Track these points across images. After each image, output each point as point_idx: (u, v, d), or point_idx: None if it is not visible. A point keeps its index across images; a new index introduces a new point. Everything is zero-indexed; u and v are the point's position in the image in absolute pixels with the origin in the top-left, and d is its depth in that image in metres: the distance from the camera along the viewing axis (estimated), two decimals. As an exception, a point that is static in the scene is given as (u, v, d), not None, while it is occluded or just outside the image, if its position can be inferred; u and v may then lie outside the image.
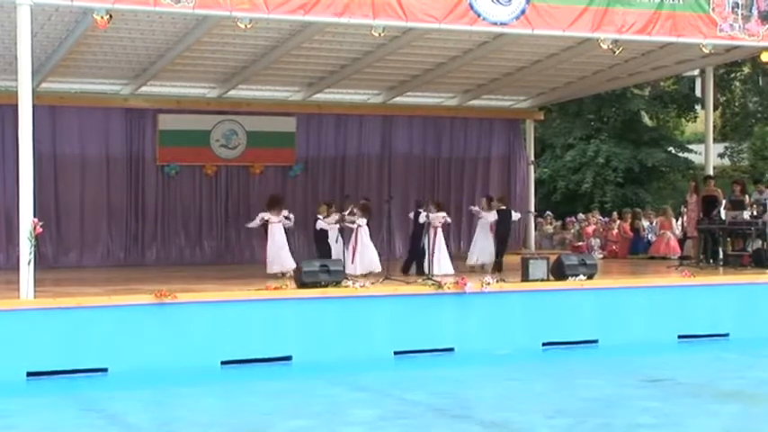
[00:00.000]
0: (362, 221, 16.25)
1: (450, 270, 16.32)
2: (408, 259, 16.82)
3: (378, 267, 15.70)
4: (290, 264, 15.61)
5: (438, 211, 16.88)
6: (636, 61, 18.58)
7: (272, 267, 15.76)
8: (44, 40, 15.37)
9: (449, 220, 17.59)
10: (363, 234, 16.15)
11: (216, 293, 13.03)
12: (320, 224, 16.43)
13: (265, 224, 16.04)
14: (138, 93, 19.46)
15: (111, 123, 19.78)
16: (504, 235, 17.89)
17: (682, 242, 20.58)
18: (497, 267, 17.00)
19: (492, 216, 17.73)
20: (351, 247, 16.14)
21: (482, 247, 17.59)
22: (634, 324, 14.61)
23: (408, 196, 21.89)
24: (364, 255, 15.94)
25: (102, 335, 11.96)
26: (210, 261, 20.03)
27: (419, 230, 16.49)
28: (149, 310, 12.23)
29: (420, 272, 15.92)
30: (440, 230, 16.73)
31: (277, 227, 15.87)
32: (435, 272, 15.50)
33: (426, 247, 15.92)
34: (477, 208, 18.24)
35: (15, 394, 10.97)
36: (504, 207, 18.10)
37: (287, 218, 16.08)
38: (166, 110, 20.03)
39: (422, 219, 16.35)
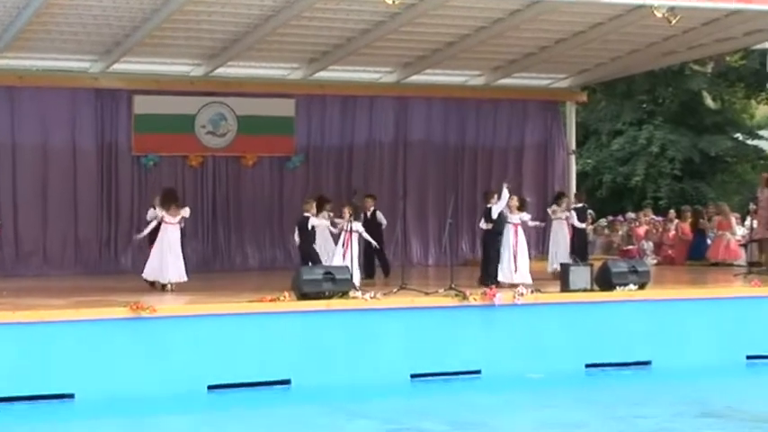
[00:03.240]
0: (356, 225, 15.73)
1: (528, 279, 15.60)
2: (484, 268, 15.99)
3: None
4: (183, 275, 15.20)
5: (520, 209, 16.07)
6: (696, 32, 18.54)
7: (159, 274, 15.11)
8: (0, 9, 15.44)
9: (531, 223, 16.44)
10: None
11: (202, 306, 13.07)
12: (313, 221, 16.14)
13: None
14: (111, 71, 19.48)
15: (78, 106, 19.81)
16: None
17: (748, 245, 20.51)
18: None
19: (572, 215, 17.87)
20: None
21: (564, 251, 17.47)
22: (694, 343, 14.58)
23: (427, 192, 21.90)
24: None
25: (68, 354, 11.98)
26: (195, 268, 19.82)
27: (492, 230, 15.87)
28: (124, 326, 12.25)
29: (489, 281, 15.22)
30: (520, 229, 15.97)
31: (173, 228, 15.32)
32: (510, 279, 15.26)
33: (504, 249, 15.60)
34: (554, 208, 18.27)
35: (-33, 424, 11.03)
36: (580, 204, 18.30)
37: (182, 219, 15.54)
38: (143, 91, 20.05)
39: (495, 211, 15.66)
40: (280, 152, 21.07)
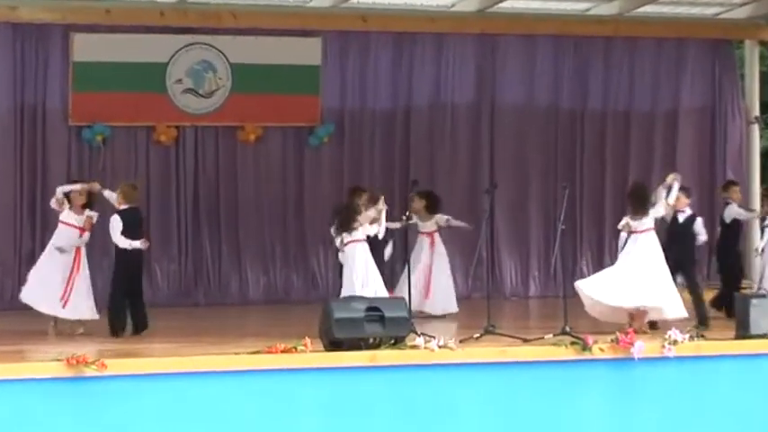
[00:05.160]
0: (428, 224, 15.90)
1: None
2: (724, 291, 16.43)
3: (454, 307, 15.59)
4: (89, 311, 15.84)
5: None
6: None
7: (46, 305, 15.83)
8: None
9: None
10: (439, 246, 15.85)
11: (177, 360, 13.12)
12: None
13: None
14: (37, -5, 19.70)
15: (-13, 51, 20.04)
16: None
17: None
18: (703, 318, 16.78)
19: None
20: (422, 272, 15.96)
21: None
22: None
23: (526, 181, 21.84)
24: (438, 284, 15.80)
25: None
26: (168, 300, 20.12)
27: (734, 233, 16.55)
28: (57, 390, 12.32)
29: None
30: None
31: (66, 233, 15.92)
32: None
33: None
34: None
35: None
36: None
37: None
38: (86, 26, 20.15)
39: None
40: (298, 120, 21.17)
